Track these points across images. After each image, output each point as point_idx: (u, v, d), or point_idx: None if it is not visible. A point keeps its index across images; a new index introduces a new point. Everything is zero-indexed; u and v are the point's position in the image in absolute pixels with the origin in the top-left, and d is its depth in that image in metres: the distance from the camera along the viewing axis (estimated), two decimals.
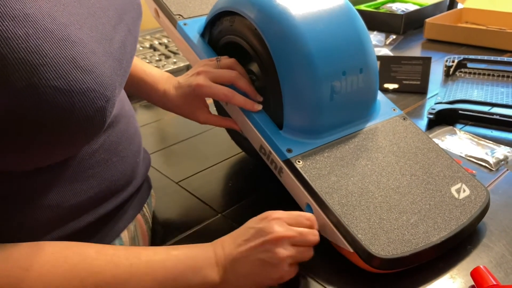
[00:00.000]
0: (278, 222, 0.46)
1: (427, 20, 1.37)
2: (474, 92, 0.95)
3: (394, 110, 0.66)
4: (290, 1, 0.57)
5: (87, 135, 0.38)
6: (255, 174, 0.75)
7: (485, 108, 0.87)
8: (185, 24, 0.69)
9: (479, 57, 1.07)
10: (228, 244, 0.46)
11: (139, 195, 0.57)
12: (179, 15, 0.70)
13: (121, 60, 0.42)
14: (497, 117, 0.82)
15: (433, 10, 1.58)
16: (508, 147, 0.75)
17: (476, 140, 0.78)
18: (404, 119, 0.65)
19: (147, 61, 1.17)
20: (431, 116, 0.83)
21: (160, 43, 1.32)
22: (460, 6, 1.61)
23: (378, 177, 0.55)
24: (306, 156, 0.56)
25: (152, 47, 1.29)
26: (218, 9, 0.64)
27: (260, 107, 0.59)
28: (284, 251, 0.44)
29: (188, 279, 0.43)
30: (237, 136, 0.75)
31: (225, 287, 0.45)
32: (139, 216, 0.57)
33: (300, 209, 0.56)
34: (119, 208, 0.51)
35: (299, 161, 0.55)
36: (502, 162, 0.72)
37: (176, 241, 0.60)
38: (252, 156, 0.75)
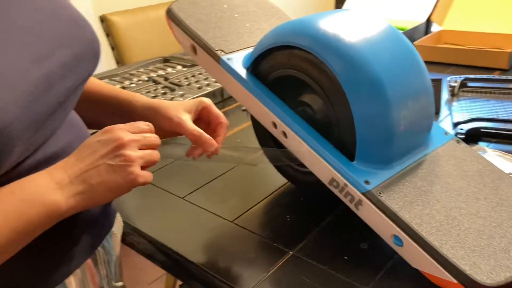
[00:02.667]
0: (122, 131, 0.48)
1: (415, 42, 1.43)
2: (483, 109, 0.99)
3: (447, 134, 0.67)
4: (349, 31, 0.57)
5: None
6: (264, 178, 0.78)
7: (503, 125, 0.90)
8: (228, 59, 0.68)
9: (478, 76, 1.13)
10: (71, 163, 0.46)
11: (91, 233, 0.55)
12: (221, 50, 0.69)
13: (39, 94, 0.43)
14: None
15: (413, 33, 1.66)
16: None
17: (508, 157, 0.81)
18: (458, 142, 0.66)
19: (152, 94, 1.13)
20: (462, 137, 0.85)
21: (158, 75, 1.29)
22: (435, 27, 1.69)
23: (457, 203, 0.55)
24: (385, 186, 0.55)
25: (151, 79, 1.26)
26: (269, 44, 0.63)
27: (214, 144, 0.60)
28: (134, 153, 0.47)
29: (25, 213, 0.42)
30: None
31: (81, 203, 0.45)
32: (89, 261, 0.54)
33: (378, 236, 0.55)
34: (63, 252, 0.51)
35: (380, 193, 0.54)
36: None
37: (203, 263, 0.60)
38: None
